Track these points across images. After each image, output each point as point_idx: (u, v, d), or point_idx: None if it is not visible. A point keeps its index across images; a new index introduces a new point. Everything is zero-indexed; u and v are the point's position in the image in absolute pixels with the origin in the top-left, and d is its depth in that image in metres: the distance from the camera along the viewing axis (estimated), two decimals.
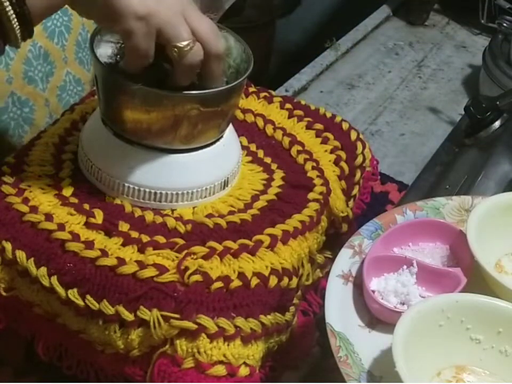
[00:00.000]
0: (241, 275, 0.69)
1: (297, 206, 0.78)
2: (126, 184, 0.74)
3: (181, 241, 0.71)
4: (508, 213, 0.75)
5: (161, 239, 0.71)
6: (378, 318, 0.69)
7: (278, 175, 0.81)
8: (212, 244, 0.71)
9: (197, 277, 0.67)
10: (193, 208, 0.76)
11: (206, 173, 0.76)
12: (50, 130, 0.82)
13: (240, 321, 0.67)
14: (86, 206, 0.73)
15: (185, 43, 0.66)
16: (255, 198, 0.78)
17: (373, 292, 0.69)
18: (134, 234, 0.71)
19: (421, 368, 0.62)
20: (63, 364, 0.73)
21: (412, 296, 0.69)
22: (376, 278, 0.71)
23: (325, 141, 0.87)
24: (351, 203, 0.86)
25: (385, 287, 0.70)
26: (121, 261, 0.68)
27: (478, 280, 0.70)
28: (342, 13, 2.04)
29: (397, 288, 0.70)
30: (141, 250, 0.70)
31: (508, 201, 0.76)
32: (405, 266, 0.71)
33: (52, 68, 0.91)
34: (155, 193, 0.74)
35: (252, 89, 0.92)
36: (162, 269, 0.67)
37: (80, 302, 0.67)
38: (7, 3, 0.61)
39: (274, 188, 0.79)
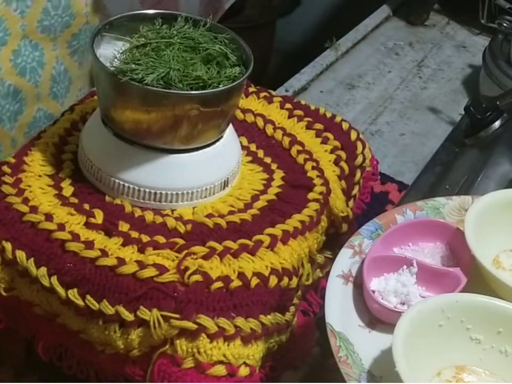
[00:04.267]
0: (241, 275, 0.69)
1: (297, 206, 0.78)
2: (126, 184, 0.74)
3: (181, 241, 0.71)
4: (506, 210, 0.75)
5: (161, 239, 0.71)
6: (378, 318, 0.69)
7: (278, 175, 0.81)
8: (212, 243, 0.71)
9: (197, 277, 0.67)
10: (193, 208, 0.76)
11: (206, 173, 0.76)
12: (50, 130, 0.82)
13: (240, 321, 0.67)
14: (86, 206, 0.73)
15: None
16: (255, 198, 0.78)
17: (373, 291, 0.69)
18: (134, 234, 0.71)
19: (421, 368, 0.62)
20: (63, 364, 0.73)
21: (412, 296, 0.69)
22: (376, 278, 0.71)
23: (325, 141, 0.87)
24: (351, 203, 0.86)
25: (385, 287, 0.70)
26: (121, 261, 0.68)
27: (478, 280, 0.70)
28: (342, 13, 2.04)
29: (397, 288, 0.70)
30: (141, 250, 0.70)
31: (506, 198, 0.76)
32: (405, 266, 0.71)
33: (21, 105, 0.89)
34: (155, 193, 0.74)
35: (252, 89, 0.92)
36: (162, 269, 0.67)
37: (80, 302, 0.67)
38: None
39: (274, 188, 0.79)
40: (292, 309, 0.75)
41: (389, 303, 0.69)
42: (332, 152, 0.86)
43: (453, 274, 0.70)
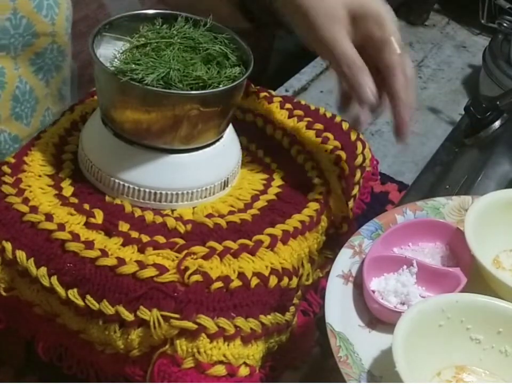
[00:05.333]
0: (241, 275, 0.69)
1: (297, 206, 0.78)
2: (126, 184, 0.74)
3: (181, 241, 0.71)
4: (506, 210, 0.75)
5: (161, 239, 0.71)
6: (378, 318, 0.69)
7: (278, 175, 0.81)
8: (212, 243, 0.71)
9: (197, 277, 0.67)
10: (193, 208, 0.76)
11: (206, 173, 0.76)
12: (50, 130, 0.82)
13: (240, 321, 0.67)
14: (86, 206, 0.73)
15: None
16: (255, 198, 0.78)
17: (373, 292, 0.69)
18: (134, 234, 0.71)
19: (421, 368, 0.62)
20: (63, 363, 0.73)
21: (412, 296, 0.69)
22: (376, 278, 0.71)
23: (325, 141, 0.87)
24: (351, 203, 0.86)
25: (385, 287, 0.70)
26: (121, 261, 0.68)
27: (478, 280, 0.70)
28: None
29: (397, 288, 0.70)
30: (141, 250, 0.70)
31: (506, 198, 0.76)
32: (405, 266, 0.71)
33: None
34: (155, 193, 0.74)
35: (252, 89, 0.92)
36: (162, 269, 0.67)
37: (80, 302, 0.67)
38: None
39: (274, 188, 0.79)
40: (292, 309, 0.75)
41: (389, 303, 0.69)
42: (332, 152, 0.86)
43: (453, 274, 0.70)
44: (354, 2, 0.75)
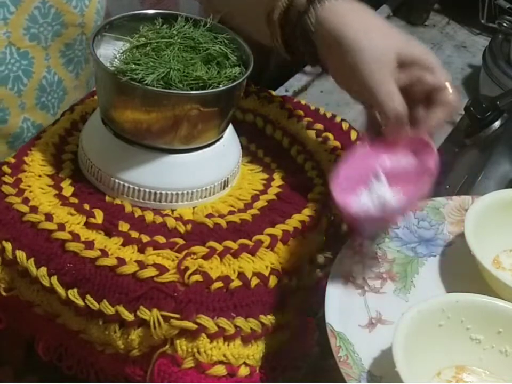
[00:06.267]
0: (241, 275, 0.69)
1: (297, 206, 0.78)
2: (126, 184, 0.74)
3: (181, 241, 0.71)
4: (506, 210, 0.75)
5: (161, 239, 0.71)
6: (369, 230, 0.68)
7: (278, 175, 0.81)
8: (212, 243, 0.71)
9: (197, 277, 0.67)
10: (193, 208, 0.76)
11: (206, 173, 0.76)
12: (50, 130, 0.82)
13: (240, 321, 0.67)
14: (86, 206, 0.73)
15: None
16: (255, 198, 0.78)
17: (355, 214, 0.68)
18: (134, 234, 0.71)
19: (421, 368, 0.62)
20: (63, 363, 0.73)
21: (389, 197, 0.68)
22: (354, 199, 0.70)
23: (325, 141, 0.87)
24: None
25: (360, 201, 0.69)
26: (121, 261, 0.68)
27: (478, 280, 0.70)
28: None
29: (372, 197, 0.69)
30: (141, 250, 0.70)
31: (506, 198, 0.76)
32: (372, 179, 0.70)
33: (4, 115, 0.86)
34: (155, 193, 0.74)
35: (252, 89, 0.92)
36: (162, 269, 0.68)
37: (80, 302, 0.67)
38: None
39: (274, 188, 0.79)
40: (292, 309, 0.75)
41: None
42: (331, 152, 0.86)
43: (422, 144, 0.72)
44: (404, 48, 0.74)
